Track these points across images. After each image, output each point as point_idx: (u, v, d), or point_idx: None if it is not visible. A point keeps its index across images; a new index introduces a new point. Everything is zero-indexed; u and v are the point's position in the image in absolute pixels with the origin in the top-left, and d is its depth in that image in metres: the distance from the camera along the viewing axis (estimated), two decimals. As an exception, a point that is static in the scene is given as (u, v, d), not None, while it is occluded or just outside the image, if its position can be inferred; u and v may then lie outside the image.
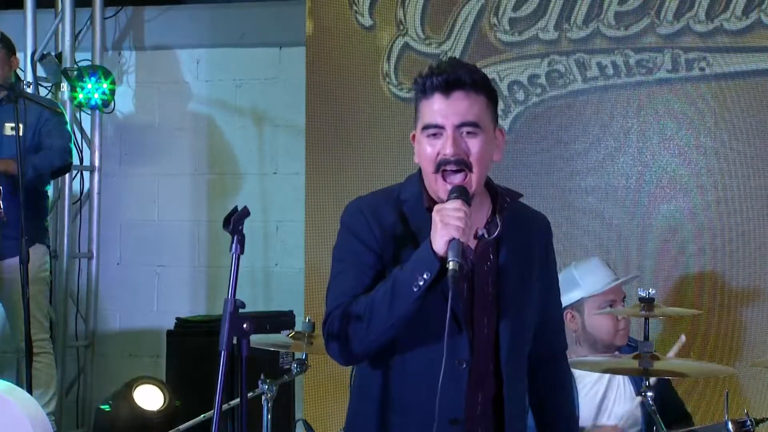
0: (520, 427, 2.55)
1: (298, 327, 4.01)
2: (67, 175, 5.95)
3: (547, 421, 2.67)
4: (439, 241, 2.28)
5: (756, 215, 4.84)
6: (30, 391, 4.63)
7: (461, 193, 2.35)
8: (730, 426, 3.56)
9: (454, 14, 5.27)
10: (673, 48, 4.93)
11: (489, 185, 2.52)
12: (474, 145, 2.39)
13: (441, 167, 2.39)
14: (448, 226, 2.28)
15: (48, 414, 4.57)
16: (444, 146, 2.38)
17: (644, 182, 4.86)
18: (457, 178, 2.38)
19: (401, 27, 5.34)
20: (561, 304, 2.76)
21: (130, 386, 5.22)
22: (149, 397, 5.22)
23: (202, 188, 6.29)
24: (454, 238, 2.27)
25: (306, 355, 3.84)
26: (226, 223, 2.45)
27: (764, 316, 4.77)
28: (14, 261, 4.81)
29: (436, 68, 2.44)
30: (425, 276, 2.28)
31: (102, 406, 5.24)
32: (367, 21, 5.39)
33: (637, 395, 3.66)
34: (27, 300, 4.69)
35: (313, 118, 5.44)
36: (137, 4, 6.38)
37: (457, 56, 5.23)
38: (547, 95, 5.08)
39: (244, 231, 2.46)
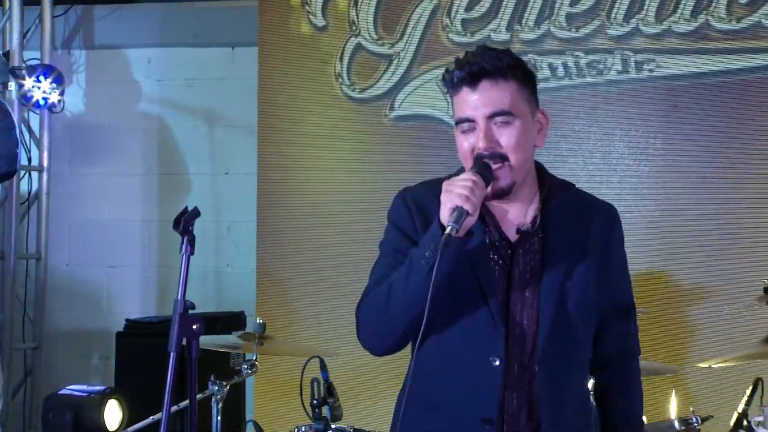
0: (574, 426, 2.43)
1: (250, 328, 4.00)
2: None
3: (608, 426, 2.57)
4: (442, 209, 2.23)
5: (704, 215, 4.89)
6: (-24, 393, 4.57)
7: (480, 167, 2.29)
8: (676, 424, 3.60)
9: (406, 15, 5.28)
10: (623, 49, 4.98)
11: (542, 175, 2.47)
12: (508, 134, 2.32)
13: (478, 161, 2.33)
14: (450, 194, 2.22)
15: (-5, 417, 4.52)
16: (477, 140, 2.33)
17: (594, 183, 4.90)
18: (494, 165, 2.32)
19: (354, 27, 5.34)
20: (627, 303, 2.60)
21: (101, 402, 5.08)
22: (112, 415, 5.12)
23: (153, 188, 6.24)
24: (457, 206, 2.20)
25: (256, 355, 3.82)
26: (176, 223, 2.43)
27: (711, 316, 4.83)
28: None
29: (460, 61, 2.36)
30: (432, 247, 2.21)
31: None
32: (319, 21, 5.38)
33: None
34: (-27, 302, 4.63)
35: (266, 119, 5.42)
36: (87, 2, 6.31)
37: (410, 57, 5.25)
38: (499, 96, 5.10)
39: (197, 231, 2.45)
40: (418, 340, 2.20)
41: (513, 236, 2.41)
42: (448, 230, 2.19)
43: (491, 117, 2.33)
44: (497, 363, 2.34)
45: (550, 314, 2.37)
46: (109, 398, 5.09)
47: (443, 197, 2.24)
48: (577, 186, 2.55)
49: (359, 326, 2.42)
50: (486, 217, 2.40)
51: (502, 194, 2.35)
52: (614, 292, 2.53)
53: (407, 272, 2.28)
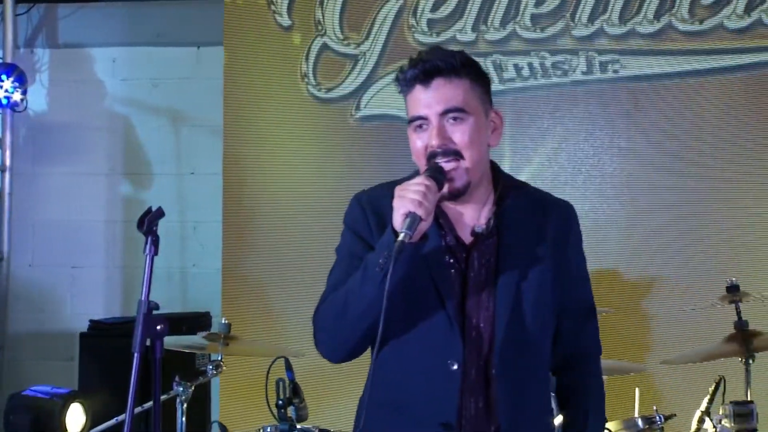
0: (534, 428, 2.41)
1: (215, 328, 3.98)
2: (-24, 176, 5.83)
3: (571, 426, 2.52)
4: (395, 215, 2.21)
5: (668, 215, 4.94)
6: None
7: (433, 171, 2.28)
8: (639, 423, 3.62)
9: (372, 15, 5.28)
10: (587, 50, 5.01)
11: (495, 176, 2.44)
12: (461, 131, 2.31)
13: (431, 161, 2.31)
14: (403, 199, 2.20)
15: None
16: (430, 137, 2.32)
17: (559, 183, 4.93)
18: (448, 166, 2.31)
19: (320, 27, 5.33)
20: (587, 302, 2.56)
21: (64, 406, 5.01)
22: (75, 418, 5.07)
23: (117, 188, 6.20)
24: (410, 212, 2.18)
25: (222, 356, 3.80)
26: (140, 223, 2.42)
27: (674, 315, 4.86)
28: None
29: (413, 60, 2.38)
30: (385, 254, 2.19)
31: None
32: (285, 21, 5.37)
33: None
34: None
35: (232, 118, 5.41)
36: (50, 1, 6.26)
37: (375, 57, 5.25)
38: (465, 96, 5.11)
39: (162, 231, 2.43)
40: (376, 346, 2.18)
41: (468, 238, 2.39)
42: (401, 237, 2.17)
43: (444, 114, 2.32)
44: (455, 367, 2.32)
45: (506, 316, 2.34)
46: (73, 401, 5.04)
47: (396, 203, 2.22)
48: (540, 186, 2.54)
49: (316, 332, 2.40)
50: (441, 219, 2.38)
51: (458, 194, 2.33)
52: (573, 291, 2.49)
53: (362, 279, 2.26)
